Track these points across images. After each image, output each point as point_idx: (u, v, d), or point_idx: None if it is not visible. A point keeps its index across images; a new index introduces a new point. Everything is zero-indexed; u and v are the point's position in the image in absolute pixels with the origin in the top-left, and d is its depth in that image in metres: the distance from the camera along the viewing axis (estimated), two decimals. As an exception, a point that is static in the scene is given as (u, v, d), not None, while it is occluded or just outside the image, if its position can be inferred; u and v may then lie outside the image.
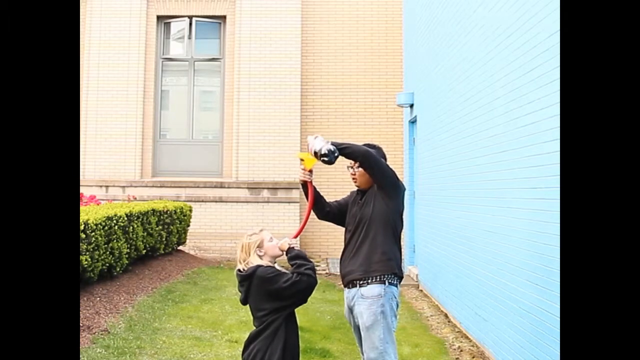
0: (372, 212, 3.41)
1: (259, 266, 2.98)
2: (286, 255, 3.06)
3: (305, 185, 3.52)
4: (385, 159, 3.55)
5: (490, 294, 5.03)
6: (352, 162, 3.49)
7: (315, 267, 3.15)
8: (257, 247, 3.05)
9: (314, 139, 3.37)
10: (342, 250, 3.62)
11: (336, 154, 3.30)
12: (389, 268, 3.38)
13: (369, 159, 3.35)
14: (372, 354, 3.32)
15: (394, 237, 3.47)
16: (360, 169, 3.46)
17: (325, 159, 3.29)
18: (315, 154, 3.32)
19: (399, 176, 3.55)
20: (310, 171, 3.46)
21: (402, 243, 3.62)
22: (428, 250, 7.73)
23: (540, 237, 3.93)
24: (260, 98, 11.01)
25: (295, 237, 3.32)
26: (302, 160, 3.46)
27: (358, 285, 3.39)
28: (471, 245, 5.64)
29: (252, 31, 11.12)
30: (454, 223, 6.33)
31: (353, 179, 3.56)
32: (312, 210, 3.59)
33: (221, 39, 11.50)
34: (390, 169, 3.46)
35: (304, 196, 3.73)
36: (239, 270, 3.04)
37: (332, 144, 3.33)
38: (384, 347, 3.32)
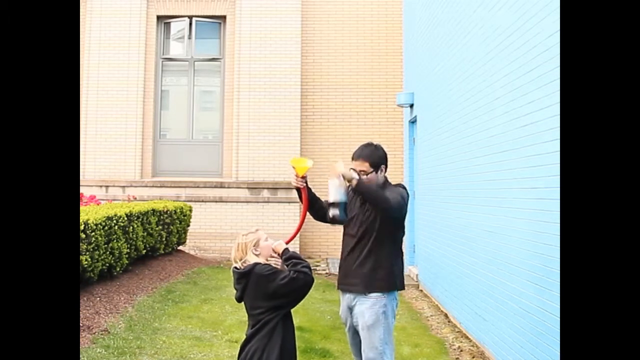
0: (378, 227, 3.38)
1: (256, 264, 2.98)
2: (281, 257, 3.06)
3: (299, 190, 3.50)
4: (386, 158, 3.52)
5: (490, 294, 5.03)
6: (359, 169, 3.42)
7: (311, 267, 3.15)
8: (254, 246, 3.04)
9: (336, 184, 3.25)
10: (342, 251, 3.61)
11: (344, 207, 3.24)
12: (391, 285, 3.42)
13: (382, 206, 3.29)
14: (371, 353, 3.32)
15: (397, 248, 3.49)
16: (367, 176, 3.40)
17: (336, 214, 3.22)
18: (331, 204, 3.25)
19: (404, 196, 3.40)
20: (303, 177, 3.45)
21: (402, 243, 3.61)
22: (428, 250, 7.73)
23: (540, 237, 3.92)
24: (260, 98, 11.01)
25: (289, 241, 3.30)
26: (294, 167, 3.45)
27: None
28: (471, 245, 5.64)
29: (252, 31, 11.12)
30: (454, 223, 6.33)
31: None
32: (308, 213, 3.59)
33: (221, 39, 11.50)
34: (400, 204, 3.34)
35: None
36: (236, 267, 3.04)
37: (357, 182, 3.24)
38: (383, 347, 3.32)
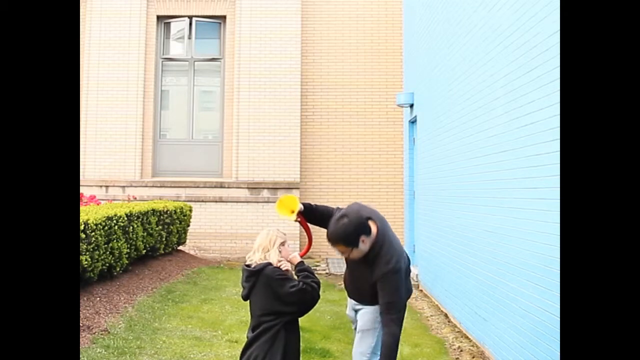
0: (371, 288, 3.25)
1: (268, 264, 2.98)
2: (295, 267, 3.09)
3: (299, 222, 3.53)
4: (361, 225, 3.15)
5: (490, 294, 5.03)
6: (338, 250, 3.23)
7: (314, 271, 3.18)
8: (281, 244, 3.07)
9: None
10: (346, 266, 3.56)
11: None
12: None
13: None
14: (357, 357, 3.33)
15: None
16: (350, 254, 3.19)
17: None
18: None
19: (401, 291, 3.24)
20: (297, 214, 3.45)
21: (402, 242, 3.60)
22: (428, 250, 7.73)
23: (540, 237, 3.93)
24: (260, 98, 11.01)
25: (302, 255, 3.35)
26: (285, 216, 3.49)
27: None
28: (471, 245, 5.64)
29: (252, 31, 11.12)
30: (454, 223, 6.33)
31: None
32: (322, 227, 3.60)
33: (221, 39, 11.50)
34: (401, 305, 3.22)
35: (304, 197, 3.72)
36: (247, 265, 3.05)
37: None
38: (370, 356, 3.32)
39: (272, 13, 11.17)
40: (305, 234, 3.67)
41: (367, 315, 3.33)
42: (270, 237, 3.07)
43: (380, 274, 3.15)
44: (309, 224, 3.56)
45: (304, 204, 3.51)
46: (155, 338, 5.16)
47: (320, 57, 11.34)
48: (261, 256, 3.03)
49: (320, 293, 3.08)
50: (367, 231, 3.15)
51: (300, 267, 3.06)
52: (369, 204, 3.52)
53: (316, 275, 3.13)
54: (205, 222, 10.73)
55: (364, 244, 3.14)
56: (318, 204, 3.67)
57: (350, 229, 3.09)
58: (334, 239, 3.13)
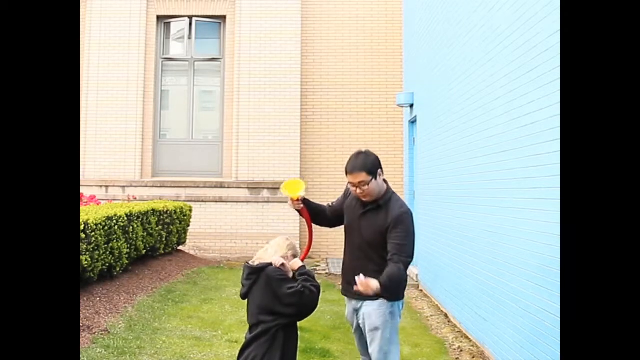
0: (382, 248, 3.29)
1: (269, 264, 2.99)
2: (296, 271, 3.09)
3: (299, 211, 3.53)
4: (379, 161, 3.38)
5: (490, 294, 5.03)
6: (357, 181, 3.32)
7: (314, 276, 3.18)
8: (292, 255, 3.12)
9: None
10: (345, 257, 3.55)
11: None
12: (397, 298, 3.38)
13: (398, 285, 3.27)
14: (378, 355, 3.31)
15: None
16: (368, 186, 3.29)
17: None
18: None
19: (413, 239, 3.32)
20: (298, 200, 3.45)
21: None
22: (428, 250, 7.73)
23: (540, 237, 3.93)
24: (260, 98, 11.01)
25: (303, 259, 3.35)
26: (287, 194, 3.47)
27: None
28: (471, 245, 5.64)
29: (252, 31, 11.12)
30: (454, 223, 6.33)
31: (362, 196, 3.36)
32: (316, 224, 3.64)
33: (221, 39, 11.51)
34: (412, 249, 3.28)
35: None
36: (248, 263, 3.06)
37: (382, 289, 3.13)
38: (389, 348, 3.31)
39: (272, 13, 11.17)
40: (306, 234, 3.67)
41: (373, 312, 3.31)
42: (288, 244, 3.13)
43: (396, 215, 3.29)
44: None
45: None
46: (155, 338, 5.16)
47: (320, 57, 11.34)
48: (272, 255, 3.05)
49: (320, 293, 3.08)
50: (382, 169, 3.37)
51: (301, 271, 3.07)
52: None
53: (317, 279, 3.13)
54: (205, 222, 10.73)
55: (380, 179, 3.34)
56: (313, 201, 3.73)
57: (370, 159, 3.34)
58: (357, 168, 3.29)
